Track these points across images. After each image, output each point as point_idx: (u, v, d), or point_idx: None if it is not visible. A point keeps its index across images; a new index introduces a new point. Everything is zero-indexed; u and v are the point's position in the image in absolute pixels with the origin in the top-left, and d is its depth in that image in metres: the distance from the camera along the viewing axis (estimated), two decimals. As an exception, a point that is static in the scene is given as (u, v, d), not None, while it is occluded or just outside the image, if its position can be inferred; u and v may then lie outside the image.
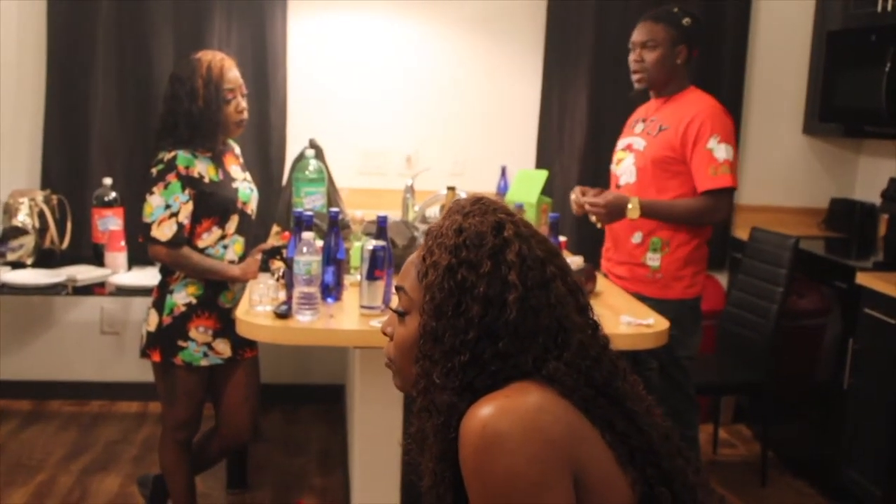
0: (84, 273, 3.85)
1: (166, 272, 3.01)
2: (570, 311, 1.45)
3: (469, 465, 1.32)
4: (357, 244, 3.09)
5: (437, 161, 4.56)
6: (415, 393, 1.51)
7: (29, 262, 3.96)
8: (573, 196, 3.31)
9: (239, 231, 3.05)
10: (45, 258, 4.02)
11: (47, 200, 4.10)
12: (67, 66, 4.28)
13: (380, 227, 2.71)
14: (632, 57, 3.31)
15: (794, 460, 4.16)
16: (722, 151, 3.13)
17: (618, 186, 3.38)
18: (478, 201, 1.50)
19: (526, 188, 3.71)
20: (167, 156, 2.90)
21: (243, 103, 3.04)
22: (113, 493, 3.62)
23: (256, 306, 2.64)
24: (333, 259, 2.75)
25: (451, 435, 1.41)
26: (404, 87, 4.57)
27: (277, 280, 2.76)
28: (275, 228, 4.02)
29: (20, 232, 3.96)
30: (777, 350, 3.84)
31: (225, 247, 3.02)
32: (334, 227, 2.78)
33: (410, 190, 3.98)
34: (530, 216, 3.55)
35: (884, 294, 3.49)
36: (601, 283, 3.17)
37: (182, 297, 2.97)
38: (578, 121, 4.56)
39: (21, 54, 4.34)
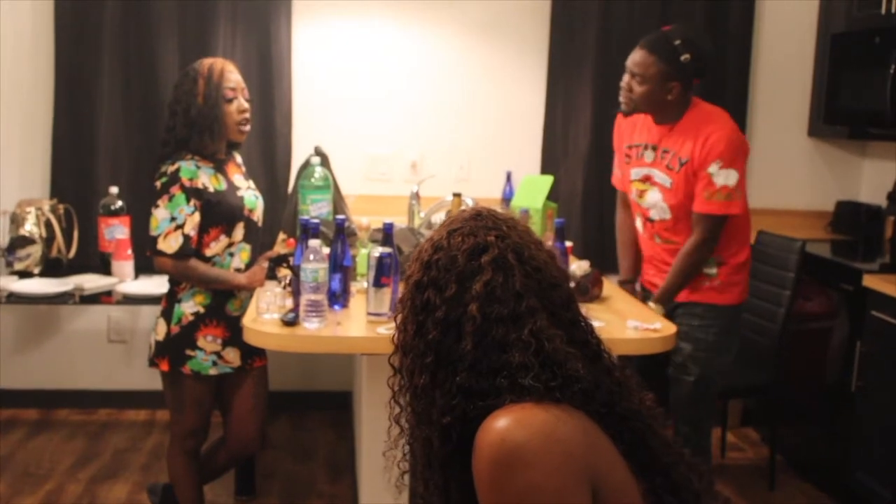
0: (91, 282, 3.86)
1: (174, 282, 3.01)
2: (559, 345, 1.38)
3: (485, 478, 1.30)
4: (363, 251, 3.09)
5: (443, 167, 4.56)
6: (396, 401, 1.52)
7: (36, 271, 3.97)
8: None
9: (246, 239, 3.05)
10: (52, 267, 4.03)
11: (54, 210, 4.11)
12: (74, 77, 4.29)
13: (386, 234, 2.71)
14: (623, 80, 3.20)
15: (802, 463, 4.15)
16: (721, 177, 3.07)
17: (649, 220, 3.31)
18: (475, 217, 1.46)
19: (531, 194, 3.71)
20: (170, 168, 2.90)
21: (245, 104, 3.03)
22: (121, 501, 3.62)
23: (264, 314, 2.65)
24: (340, 266, 2.75)
25: (436, 446, 1.41)
26: (409, 94, 4.58)
27: (284, 288, 2.77)
28: (281, 236, 4.02)
29: (27, 241, 3.97)
30: (784, 353, 3.83)
31: (231, 254, 3.02)
32: (340, 235, 2.79)
33: (416, 196, 3.98)
34: (536, 222, 3.56)
35: (891, 296, 3.48)
36: (608, 287, 3.17)
37: (190, 306, 2.97)
38: (583, 126, 4.56)
39: (29, 63, 4.35)
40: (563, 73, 4.56)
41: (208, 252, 2.97)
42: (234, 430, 3.19)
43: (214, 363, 2.99)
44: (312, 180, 3.71)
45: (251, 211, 3.06)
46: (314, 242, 2.62)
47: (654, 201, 3.24)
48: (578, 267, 3.10)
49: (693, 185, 3.12)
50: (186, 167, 2.89)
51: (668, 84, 3.09)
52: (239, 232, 3.02)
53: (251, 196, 3.09)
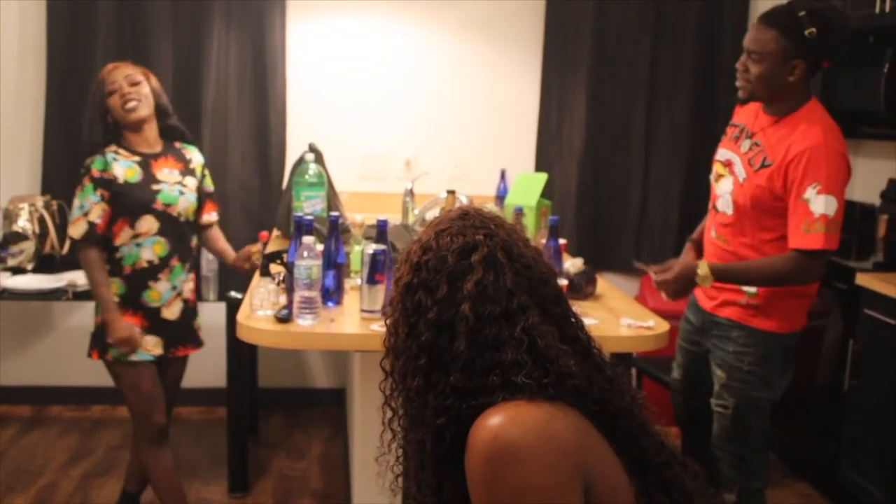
0: (84, 278, 3.84)
1: None
2: (552, 342, 1.38)
3: (478, 475, 1.29)
4: (357, 248, 3.09)
5: (437, 165, 4.56)
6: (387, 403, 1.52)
7: (29, 267, 3.97)
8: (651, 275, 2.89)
9: (161, 233, 3.08)
10: (45, 263, 4.02)
11: (47, 206, 4.10)
12: (67, 72, 4.28)
13: (380, 231, 2.71)
14: (739, 61, 2.80)
15: (794, 462, 4.15)
16: (820, 204, 2.60)
17: (715, 208, 2.94)
18: (462, 217, 1.45)
19: (525, 191, 3.71)
20: (88, 161, 3.04)
21: (126, 88, 3.05)
22: (114, 498, 3.61)
23: (257, 311, 2.64)
24: (334, 263, 2.75)
25: (428, 447, 1.41)
26: (403, 91, 4.58)
27: (278, 284, 2.76)
28: (275, 232, 4.02)
29: (20, 237, 3.97)
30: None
31: (139, 245, 3.06)
32: (334, 231, 2.78)
33: (410, 194, 3.98)
34: (530, 219, 3.56)
35: (884, 295, 3.49)
36: (601, 285, 3.17)
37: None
38: (577, 123, 4.56)
39: (21, 61, 4.34)
40: (558, 71, 4.56)
41: (117, 241, 3.05)
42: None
43: (134, 350, 3.06)
44: (306, 177, 3.71)
45: (168, 206, 3.07)
46: (308, 239, 2.61)
47: (726, 190, 2.85)
48: (572, 264, 3.09)
49: (764, 195, 2.72)
50: (100, 159, 3.03)
51: (791, 62, 2.66)
52: (146, 224, 3.05)
53: (173, 191, 3.10)
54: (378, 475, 1.63)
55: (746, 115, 2.93)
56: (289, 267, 2.72)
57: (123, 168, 3.03)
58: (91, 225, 3.00)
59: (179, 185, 3.13)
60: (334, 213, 2.88)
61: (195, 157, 3.27)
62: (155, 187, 3.06)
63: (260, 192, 4.49)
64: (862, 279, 3.63)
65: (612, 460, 1.37)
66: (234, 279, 3.90)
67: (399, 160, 4.60)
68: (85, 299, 4.00)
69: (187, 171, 3.19)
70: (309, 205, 3.67)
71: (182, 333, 3.20)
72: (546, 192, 3.75)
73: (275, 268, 2.92)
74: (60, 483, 3.73)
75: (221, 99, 4.39)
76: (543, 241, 3.07)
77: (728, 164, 2.89)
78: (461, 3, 4.54)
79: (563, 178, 4.59)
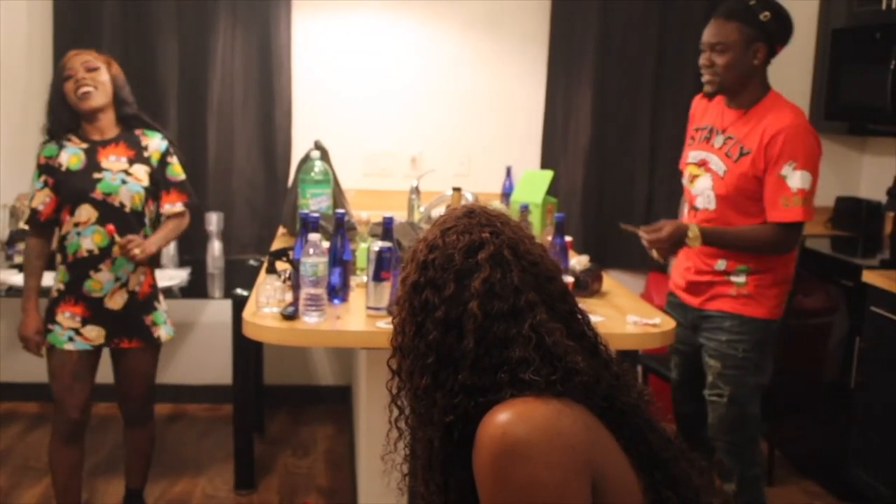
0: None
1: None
2: (559, 338, 1.38)
3: (486, 472, 1.29)
4: (363, 245, 3.09)
5: (442, 162, 4.56)
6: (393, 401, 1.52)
7: (35, 264, 3.97)
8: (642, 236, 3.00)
9: (100, 222, 3.03)
10: (50, 261, 4.01)
11: (53, 203, 4.10)
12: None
13: (386, 229, 2.71)
14: (701, 59, 2.97)
15: (801, 459, 4.15)
16: (796, 180, 2.81)
17: (694, 208, 3.08)
18: (467, 214, 1.45)
19: (531, 189, 3.71)
20: (40, 148, 3.10)
21: (81, 73, 3.03)
22: (120, 495, 3.62)
23: (263, 308, 2.65)
24: (340, 260, 2.75)
25: (436, 445, 1.41)
26: (409, 89, 4.58)
27: (284, 281, 2.76)
28: (281, 230, 4.03)
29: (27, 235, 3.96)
30: (783, 349, 3.82)
31: (79, 234, 3.04)
32: (340, 229, 2.78)
33: (416, 191, 3.98)
34: (535, 217, 3.55)
35: (890, 292, 3.49)
36: (607, 282, 3.16)
37: (55, 283, 3.12)
38: (583, 121, 4.56)
39: (28, 60, 4.35)
40: (564, 68, 4.56)
41: (63, 229, 3.07)
42: (120, 407, 3.36)
43: (71, 339, 3.07)
44: (312, 174, 3.71)
45: (108, 195, 3.03)
46: (314, 236, 2.61)
47: (703, 188, 3.01)
48: (578, 262, 3.09)
49: (749, 183, 2.89)
50: (49, 147, 3.07)
51: (753, 46, 2.89)
52: (84, 213, 3.03)
53: (115, 180, 3.05)
54: (384, 473, 1.63)
55: (710, 116, 3.10)
56: (295, 264, 2.72)
57: (68, 155, 3.04)
58: (33, 211, 3.05)
59: (124, 173, 3.06)
60: (340, 211, 2.88)
61: (153, 143, 3.17)
62: (96, 175, 3.02)
63: (265, 190, 4.49)
64: (868, 276, 3.63)
65: (619, 456, 1.37)
66: (239, 276, 3.90)
67: (404, 157, 4.60)
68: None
69: (138, 158, 3.11)
70: (315, 202, 3.67)
71: (127, 325, 3.13)
72: (552, 190, 3.74)
73: (281, 265, 2.93)
74: (67, 480, 3.74)
75: (227, 96, 4.39)
76: (549, 238, 3.06)
77: (703, 164, 3.03)
78: (467, 1, 4.54)
79: (569, 175, 4.59)
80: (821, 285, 3.96)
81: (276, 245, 3.60)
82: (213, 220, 4.15)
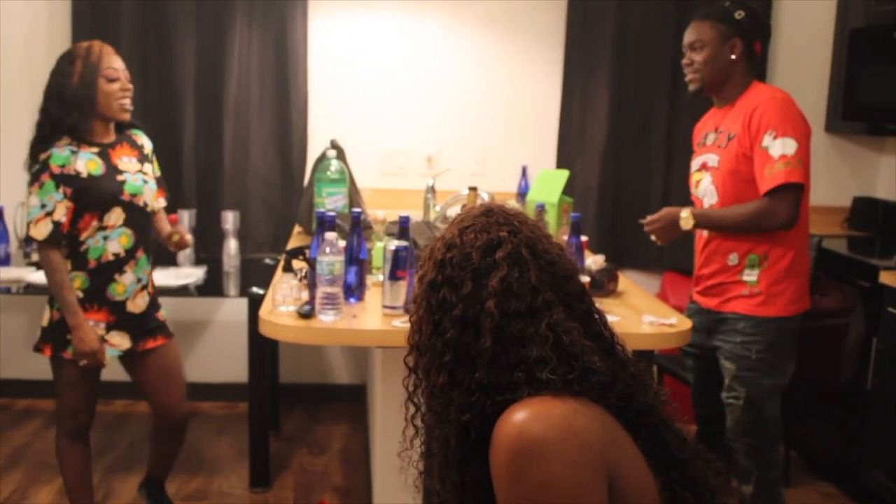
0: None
1: None
2: (577, 338, 1.38)
3: (503, 471, 1.29)
4: (379, 244, 3.10)
5: (458, 161, 4.56)
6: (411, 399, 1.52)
7: (53, 262, 3.98)
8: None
9: (126, 224, 3.00)
10: (69, 259, 4.04)
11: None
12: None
13: (402, 228, 2.71)
14: (683, 61, 3.07)
15: (817, 461, 4.13)
16: (777, 147, 2.83)
17: None
18: (485, 213, 1.45)
19: (547, 188, 3.71)
20: (43, 156, 2.88)
21: (128, 84, 3.00)
22: (135, 492, 3.64)
23: (279, 306, 2.65)
24: (356, 259, 2.76)
25: (452, 443, 1.41)
26: (425, 88, 4.58)
27: (300, 280, 2.77)
28: (297, 228, 4.04)
29: (45, 233, 3.99)
30: (800, 350, 3.81)
31: (105, 238, 2.97)
32: (357, 228, 2.79)
33: (431, 190, 3.98)
34: (552, 216, 3.55)
35: (908, 293, 3.47)
36: (623, 282, 3.16)
37: None
38: (599, 120, 4.55)
39: (47, 58, 4.37)
40: (580, 68, 4.55)
41: (83, 235, 2.95)
42: (155, 407, 3.25)
43: (96, 365, 2.99)
44: (328, 173, 3.72)
45: (134, 196, 3.00)
46: (330, 235, 2.62)
47: (706, 186, 3.06)
48: (594, 261, 3.09)
49: (740, 163, 2.92)
50: (58, 154, 2.87)
51: (730, 41, 2.97)
52: (114, 216, 2.97)
53: (137, 181, 3.03)
54: (400, 470, 1.63)
55: (706, 127, 3.17)
56: (311, 263, 2.72)
57: (84, 161, 2.90)
58: (56, 225, 2.86)
59: (140, 173, 3.05)
60: (356, 210, 2.89)
61: (146, 142, 3.16)
62: (119, 178, 2.97)
63: (282, 189, 4.50)
64: (885, 277, 3.61)
65: (636, 456, 1.37)
66: (255, 275, 3.91)
67: (420, 157, 4.60)
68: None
69: (143, 157, 3.11)
70: (331, 201, 3.68)
71: (148, 325, 3.11)
72: (567, 189, 3.74)
73: (297, 264, 2.94)
74: (84, 476, 3.76)
75: (243, 96, 4.41)
76: (565, 237, 3.06)
77: (702, 168, 3.09)
78: (483, 1, 4.54)
79: (585, 175, 4.58)
80: (837, 286, 3.95)
81: (292, 244, 3.61)
82: (230, 219, 4.17)
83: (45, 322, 3.03)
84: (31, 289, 3.78)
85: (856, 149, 4.77)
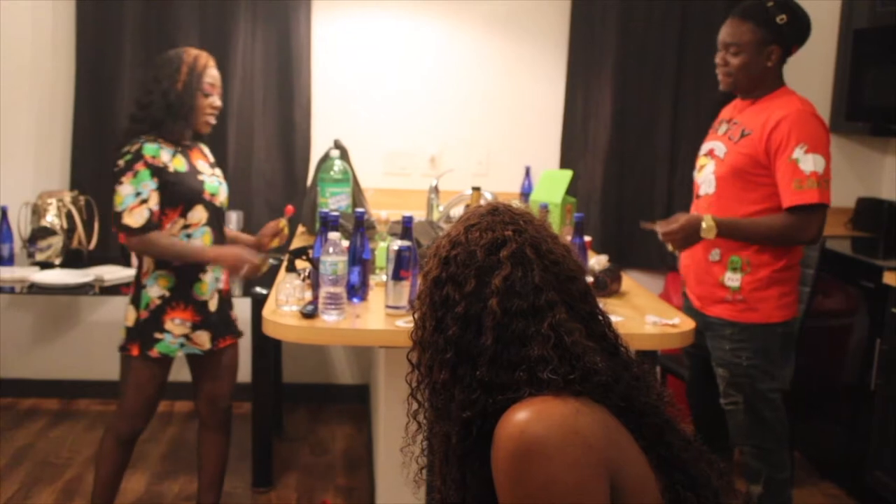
0: (111, 273, 3.88)
1: (139, 268, 3.05)
2: (578, 338, 1.38)
3: (504, 471, 1.29)
4: (382, 244, 3.10)
5: (462, 162, 4.56)
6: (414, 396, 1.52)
7: (57, 262, 4.00)
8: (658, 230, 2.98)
9: (208, 223, 3.05)
10: (72, 258, 4.06)
11: (75, 201, 4.14)
12: (95, 70, 4.32)
13: (405, 228, 2.71)
14: (717, 57, 3.00)
15: (821, 461, 4.13)
16: (809, 163, 2.78)
17: (697, 196, 3.11)
18: (491, 212, 1.46)
19: (550, 189, 3.71)
20: (133, 147, 2.92)
21: (218, 102, 3.06)
22: (140, 491, 3.65)
23: (283, 306, 2.65)
24: (359, 259, 2.76)
25: (454, 441, 1.41)
26: (428, 88, 4.58)
27: (303, 280, 2.77)
28: (300, 229, 4.04)
29: (48, 232, 4.00)
30: (803, 350, 3.81)
31: (189, 236, 3.02)
32: (360, 228, 2.79)
33: (435, 190, 3.98)
34: (555, 216, 3.55)
35: (912, 294, 3.46)
36: (626, 282, 3.16)
37: (155, 290, 3.00)
38: (603, 120, 4.55)
39: (52, 58, 4.38)
40: (583, 68, 4.55)
41: (168, 232, 2.98)
42: (202, 398, 3.23)
43: (182, 345, 3.03)
44: (332, 173, 3.72)
45: (213, 195, 3.06)
46: (334, 235, 2.62)
47: (707, 174, 3.03)
48: (597, 262, 3.08)
49: (746, 163, 2.87)
50: (149, 145, 2.92)
51: (767, 49, 2.89)
52: (198, 214, 3.02)
53: (213, 181, 3.09)
54: (403, 465, 1.64)
55: (727, 111, 3.12)
56: (314, 263, 2.72)
57: (169, 156, 2.96)
58: (151, 213, 2.90)
59: (215, 176, 3.12)
60: (359, 210, 2.89)
61: (207, 150, 3.23)
62: (200, 177, 3.03)
63: (285, 189, 4.50)
64: (889, 278, 3.60)
65: (638, 456, 1.37)
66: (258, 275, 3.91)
67: (424, 157, 4.60)
68: (112, 294, 4.04)
69: (212, 164, 3.19)
70: (334, 201, 3.68)
71: (223, 324, 3.15)
72: (571, 189, 3.74)
73: (300, 263, 2.94)
74: (87, 476, 3.75)
75: (247, 96, 4.41)
76: (568, 238, 3.06)
77: (709, 153, 3.05)
78: (486, 1, 4.54)
79: (588, 175, 4.58)
80: (841, 286, 3.94)
81: (296, 244, 3.61)
82: (233, 219, 4.17)
83: (130, 322, 3.03)
84: (34, 288, 3.78)
85: (860, 149, 4.76)
